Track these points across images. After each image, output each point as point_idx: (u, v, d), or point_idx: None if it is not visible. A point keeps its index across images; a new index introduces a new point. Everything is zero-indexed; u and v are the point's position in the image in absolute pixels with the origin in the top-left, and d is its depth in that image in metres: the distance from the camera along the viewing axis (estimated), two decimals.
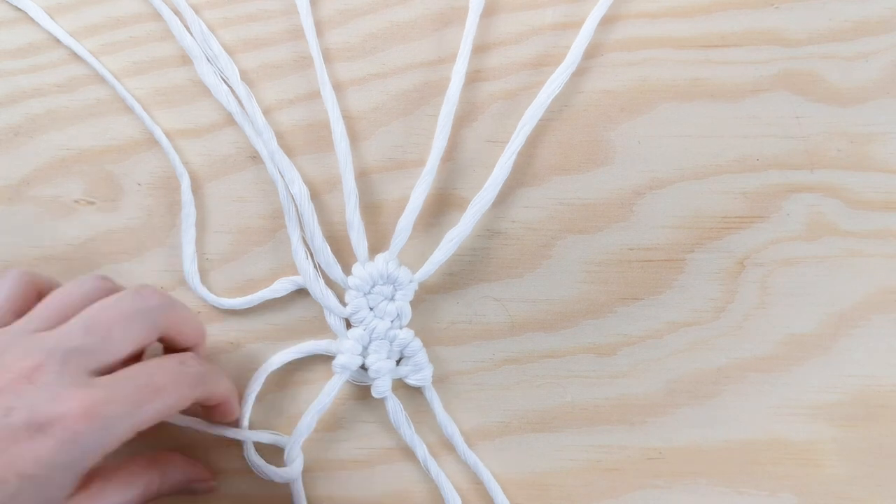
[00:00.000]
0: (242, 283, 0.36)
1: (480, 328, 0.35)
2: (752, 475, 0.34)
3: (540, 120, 0.35)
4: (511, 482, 0.35)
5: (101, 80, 0.37)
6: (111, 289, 0.31)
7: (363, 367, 0.34)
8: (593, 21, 0.36)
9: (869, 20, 0.36)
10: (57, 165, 0.36)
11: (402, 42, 0.37)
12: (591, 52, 0.36)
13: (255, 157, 0.36)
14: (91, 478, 0.28)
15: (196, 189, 0.36)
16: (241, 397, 0.34)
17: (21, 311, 0.30)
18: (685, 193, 0.35)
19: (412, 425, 0.34)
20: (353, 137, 0.36)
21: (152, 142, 0.36)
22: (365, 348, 0.34)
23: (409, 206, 0.34)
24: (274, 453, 0.34)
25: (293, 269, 0.35)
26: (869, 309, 0.35)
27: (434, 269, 0.35)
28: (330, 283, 0.35)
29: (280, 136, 0.36)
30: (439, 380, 0.35)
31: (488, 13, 0.36)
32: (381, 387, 0.34)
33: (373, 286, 0.34)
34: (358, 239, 0.35)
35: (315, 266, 0.35)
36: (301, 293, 0.35)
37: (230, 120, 0.36)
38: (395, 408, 0.34)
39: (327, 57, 0.36)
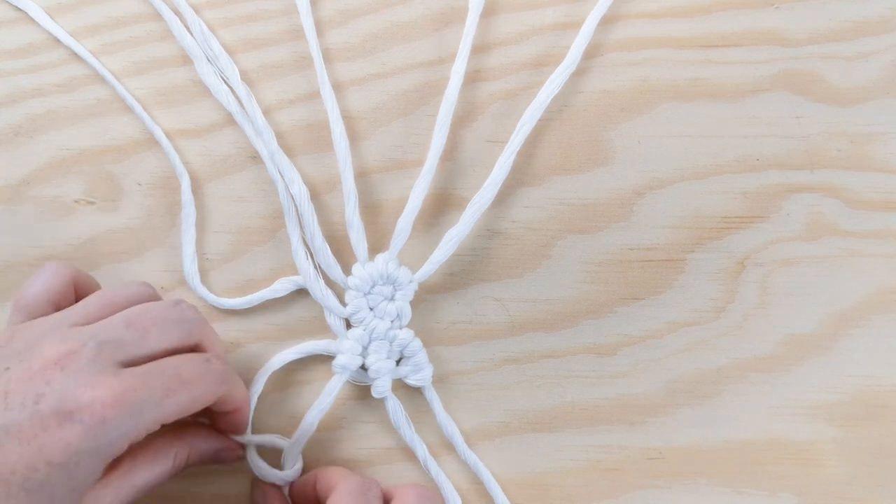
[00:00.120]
0: (242, 283, 0.36)
1: (480, 328, 0.35)
2: (752, 475, 0.34)
3: (540, 120, 0.35)
4: (511, 482, 0.35)
5: (101, 80, 0.37)
6: (153, 295, 0.31)
7: (363, 368, 0.34)
8: (593, 21, 0.36)
9: (869, 20, 0.36)
10: (57, 165, 0.36)
11: (402, 42, 0.37)
12: (591, 52, 0.36)
13: (255, 157, 0.36)
14: (119, 459, 0.28)
15: (196, 189, 0.36)
16: None
17: (58, 303, 0.30)
18: (685, 193, 0.35)
19: (412, 425, 0.34)
20: (353, 137, 0.36)
21: (152, 142, 0.36)
22: (365, 348, 0.34)
23: (409, 205, 0.34)
24: (275, 454, 0.34)
25: (293, 269, 0.35)
26: (869, 309, 0.35)
27: (434, 268, 0.35)
28: (330, 283, 0.35)
29: (280, 136, 0.36)
30: (439, 380, 0.35)
31: (488, 13, 0.36)
32: (381, 387, 0.34)
33: (373, 286, 0.34)
34: (358, 239, 0.35)
35: (315, 266, 0.35)
36: (301, 293, 0.35)
37: (230, 120, 0.36)
38: (395, 408, 0.34)
39: (327, 57, 0.36)
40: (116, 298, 0.30)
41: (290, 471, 0.34)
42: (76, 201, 0.36)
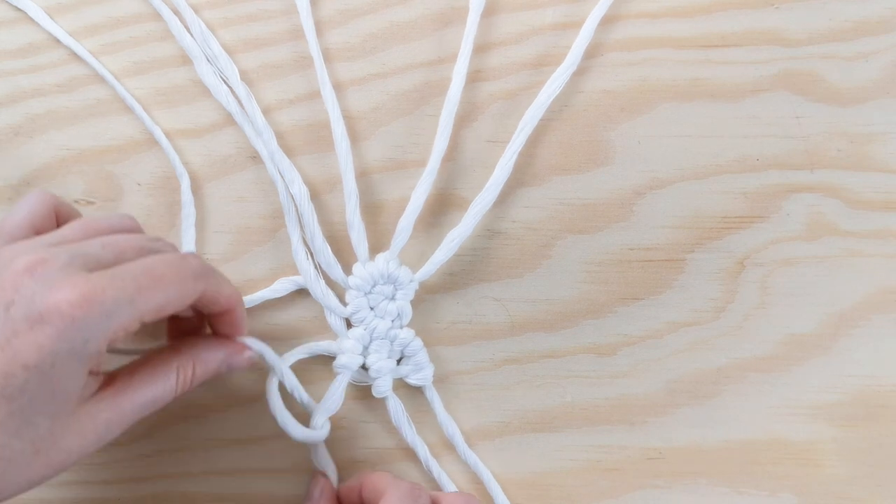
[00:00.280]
0: (242, 283, 0.36)
1: (481, 328, 0.35)
2: (752, 475, 0.34)
3: (540, 120, 0.35)
4: (511, 482, 0.35)
5: (101, 80, 0.37)
6: (135, 227, 0.31)
7: (364, 367, 0.34)
8: (593, 21, 0.36)
9: (869, 20, 0.36)
10: (57, 165, 0.36)
11: (403, 42, 0.37)
12: (592, 52, 0.36)
13: (255, 157, 0.36)
14: (115, 374, 0.28)
15: (196, 189, 0.36)
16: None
17: (41, 230, 0.30)
18: (685, 193, 0.35)
19: (413, 425, 0.34)
20: (354, 137, 0.36)
21: (152, 142, 0.36)
22: (365, 348, 0.34)
23: (410, 206, 0.34)
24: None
25: (293, 269, 0.35)
26: (869, 309, 0.35)
27: (435, 268, 0.35)
28: (330, 283, 0.35)
29: (280, 136, 0.36)
30: (440, 380, 0.35)
31: (488, 13, 0.36)
32: (382, 387, 0.34)
33: (373, 286, 0.34)
34: (358, 239, 0.35)
35: (315, 266, 0.35)
36: (301, 293, 0.35)
37: (230, 120, 0.36)
38: (396, 408, 0.34)
39: (327, 57, 0.36)
40: (97, 225, 0.29)
41: (321, 431, 0.33)
42: (76, 201, 0.36)
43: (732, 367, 0.35)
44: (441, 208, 0.36)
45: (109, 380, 0.28)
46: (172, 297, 0.27)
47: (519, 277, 0.35)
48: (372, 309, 0.35)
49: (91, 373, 0.26)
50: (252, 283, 0.36)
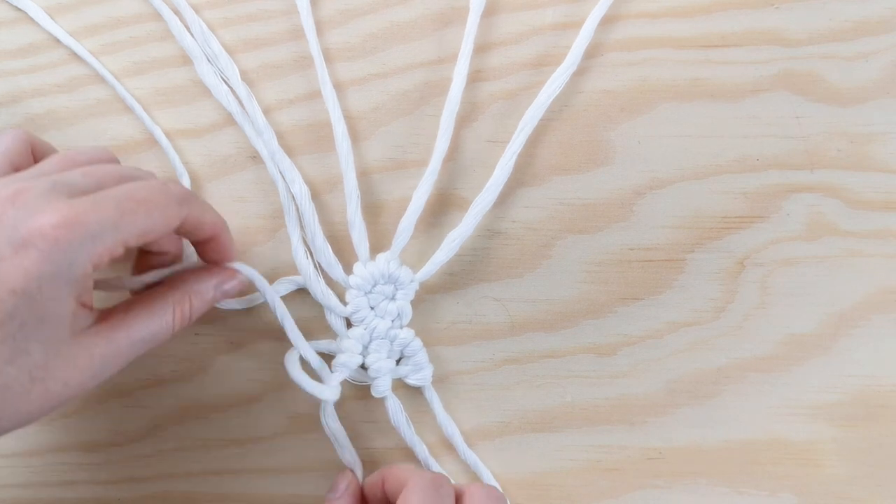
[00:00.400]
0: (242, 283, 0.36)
1: (480, 328, 0.35)
2: (752, 475, 0.34)
3: (540, 120, 0.35)
4: (511, 482, 0.35)
5: (101, 80, 0.37)
6: (113, 159, 0.31)
7: (363, 367, 0.34)
8: (593, 21, 0.36)
9: (869, 20, 0.36)
10: None
11: (403, 42, 0.37)
12: (592, 52, 0.36)
13: (256, 157, 0.36)
14: (111, 311, 0.28)
15: (196, 189, 0.36)
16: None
17: (19, 166, 0.30)
18: (685, 193, 0.35)
19: (412, 425, 0.34)
20: (354, 137, 0.36)
21: (152, 142, 0.36)
22: (365, 347, 0.34)
23: (412, 206, 0.34)
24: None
25: (293, 269, 0.35)
26: (869, 309, 0.35)
27: (435, 269, 0.35)
28: (329, 282, 0.35)
29: (280, 136, 0.36)
30: (439, 380, 0.35)
31: (489, 13, 0.36)
32: (381, 386, 0.34)
33: (374, 286, 0.34)
34: (359, 238, 0.35)
35: (315, 266, 0.35)
36: (301, 293, 0.35)
37: (230, 120, 0.36)
38: (395, 407, 0.34)
39: (327, 57, 0.36)
40: (76, 157, 0.30)
41: (331, 386, 0.33)
42: None
43: (732, 367, 0.35)
44: (441, 208, 0.36)
45: (104, 315, 0.28)
46: (156, 222, 0.27)
47: (519, 277, 0.35)
48: (372, 309, 0.35)
49: (83, 305, 0.26)
50: (252, 283, 0.36)
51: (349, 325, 0.35)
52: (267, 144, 0.35)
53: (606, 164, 0.36)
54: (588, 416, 0.35)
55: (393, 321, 0.35)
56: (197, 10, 0.37)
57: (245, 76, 0.36)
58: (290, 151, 0.36)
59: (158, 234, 0.28)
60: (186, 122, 0.37)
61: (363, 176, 0.36)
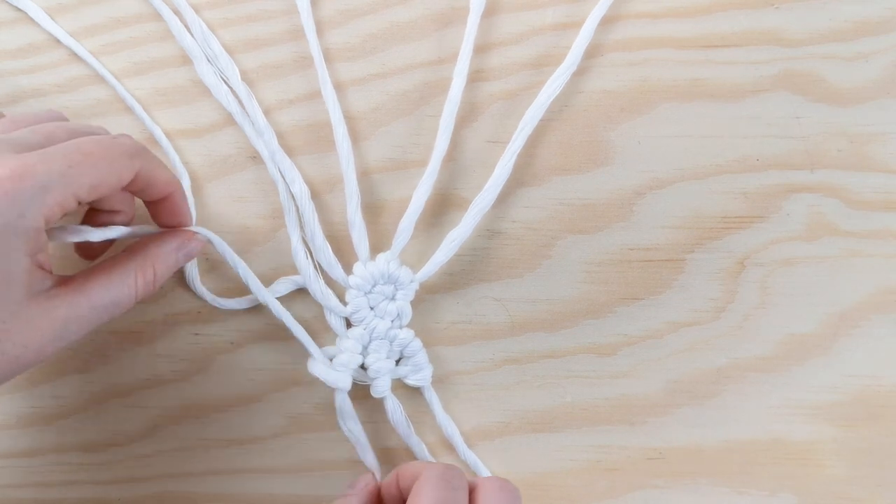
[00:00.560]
0: (242, 284, 0.36)
1: (480, 328, 0.35)
2: (752, 475, 0.34)
3: (540, 120, 0.35)
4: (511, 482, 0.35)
5: (101, 80, 0.37)
6: (63, 118, 0.31)
7: (363, 367, 0.34)
8: (593, 21, 0.36)
9: (869, 20, 0.36)
10: None
11: (403, 42, 0.37)
12: (592, 52, 0.36)
13: (256, 157, 0.36)
14: (72, 277, 0.28)
15: (196, 189, 0.36)
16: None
17: None
18: (685, 193, 0.35)
19: (412, 425, 0.34)
20: (354, 137, 0.36)
21: (152, 142, 0.36)
22: (365, 348, 0.34)
23: (412, 206, 0.34)
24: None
25: (293, 269, 0.35)
26: (869, 309, 0.35)
27: (435, 269, 0.35)
28: (329, 282, 0.35)
29: (280, 136, 0.36)
30: (439, 380, 0.35)
31: (488, 13, 0.36)
32: (381, 386, 0.34)
33: (374, 286, 0.34)
34: (360, 238, 0.35)
35: (315, 266, 0.35)
36: (301, 293, 0.35)
37: (230, 120, 0.36)
38: (395, 408, 0.34)
39: (327, 57, 0.36)
40: (24, 118, 0.30)
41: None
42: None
43: (732, 367, 0.35)
44: (441, 208, 0.36)
45: (64, 281, 0.28)
46: (105, 174, 0.27)
47: (519, 277, 0.35)
48: (372, 309, 0.35)
49: (40, 267, 0.26)
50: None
51: (349, 325, 0.35)
52: (267, 144, 0.35)
53: (606, 164, 0.36)
54: (588, 416, 0.35)
55: (393, 321, 0.35)
56: (197, 10, 0.37)
57: (245, 76, 0.36)
58: (290, 151, 0.36)
59: (110, 187, 0.27)
60: (186, 122, 0.37)
61: (363, 176, 0.36)
